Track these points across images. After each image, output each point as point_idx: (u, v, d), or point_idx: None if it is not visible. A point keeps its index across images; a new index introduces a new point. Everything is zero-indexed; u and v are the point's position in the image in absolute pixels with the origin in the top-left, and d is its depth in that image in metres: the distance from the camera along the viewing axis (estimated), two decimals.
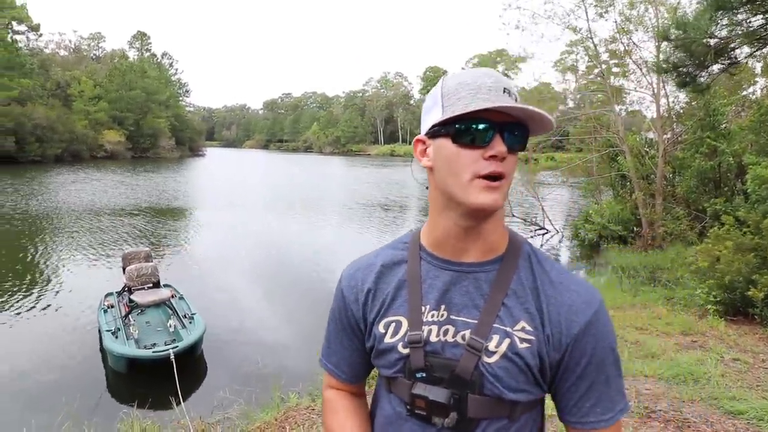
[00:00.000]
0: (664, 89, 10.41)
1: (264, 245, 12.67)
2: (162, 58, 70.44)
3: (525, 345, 0.72)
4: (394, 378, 0.80)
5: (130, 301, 6.31)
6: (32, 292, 8.30)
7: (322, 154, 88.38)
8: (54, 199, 19.49)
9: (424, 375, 0.75)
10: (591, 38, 10.94)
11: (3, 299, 7.85)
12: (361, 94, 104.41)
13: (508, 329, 0.73)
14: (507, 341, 0.72)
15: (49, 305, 7.75)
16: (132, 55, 65.49)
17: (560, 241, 13.68)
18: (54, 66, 53.76)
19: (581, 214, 13.59)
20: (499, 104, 0.67)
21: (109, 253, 11.02)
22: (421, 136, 0.77)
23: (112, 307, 6.43)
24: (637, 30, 10.49)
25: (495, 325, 0.73)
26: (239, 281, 9.46)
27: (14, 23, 49.22)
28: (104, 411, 4.68)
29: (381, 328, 0.80)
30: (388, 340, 0.79)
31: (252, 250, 12.03)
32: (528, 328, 0.73)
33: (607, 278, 7.58)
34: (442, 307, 0.77)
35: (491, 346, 0.73)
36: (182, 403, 4.02)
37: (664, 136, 10.28)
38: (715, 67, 5.38)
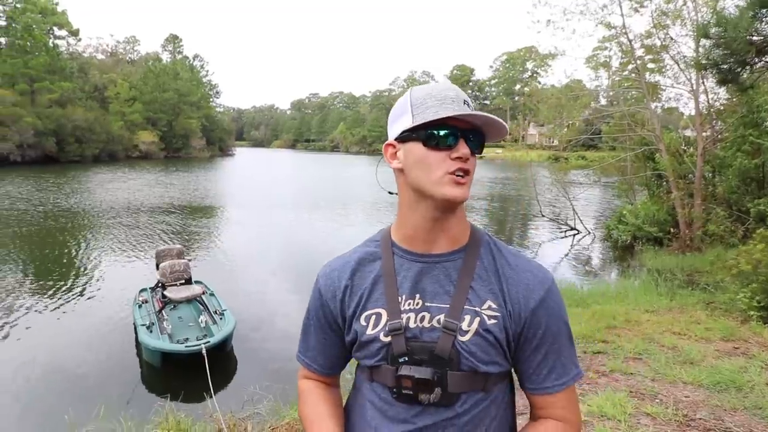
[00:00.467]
0: (703, 85, 10.00)
1: (293, 243, 12.85)
2: (194, 60, 72.29)
3: (493, 321, 0.82)
4: (377, 366, 0.86)
5: (163, 296, 6.50)
6: (74, 287, 8.67)
7: (348, 153, 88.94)
8: (93, 198, 20.30)
9: (406, 359, 0.82)
10: (626, 33, 10.60)
11: (48, 292, 8.23)
12: (387, 94, 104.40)
13: (477, 309, 0.83)
14: (477, 320, 0.82)
15: (88, 299, 8.09)
16: (165, 57, 67.47)
17: (592, 242, 13.34)
18: (92, 69, 55.89)
19: (614, 214, 13.21)
20: (463, 113, 0.78)
21: (144, 249, 11.39)
22: (391, 140, 0.86)
23: (146, 302, 6.63)
24: (674, 24, 10.10)
25: (465, 306, 0.83)
26: (269, 278, 9.63)
27: (55, 29, 51.41)
28: (139, 402, 4.84)
29: (362, 321, 0.87)
30: (370, 331, 0.86)
31: (281, 247, 12.22)
32: (494, 306, 0.83)
33: (642, 280, 7.33)
34: (417, 296, 0.85)
35: (464, 325, 0.82)
36: (213, 397, 4.11)
37: (704, 133, 9.87)
38: (759, 64, 5.16)
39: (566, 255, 12.03)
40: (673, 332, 4.56)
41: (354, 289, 0.90)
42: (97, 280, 9.22)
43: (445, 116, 0.78)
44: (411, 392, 0.81)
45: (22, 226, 14.14)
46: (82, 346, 6.27)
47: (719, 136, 10.05)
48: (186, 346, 5.31)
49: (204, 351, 5.10)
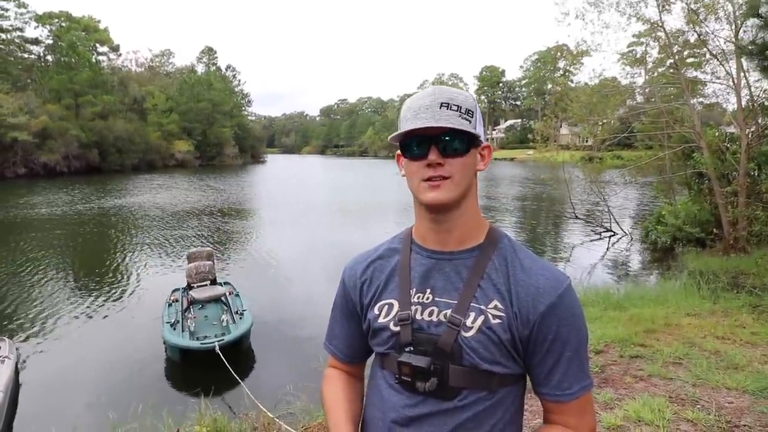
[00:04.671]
0: (746, 79, 9.55)
1: (323, 245, 13.01)
2: (227, 70, 74.46)
3: (497, 321, 0.83)
4: (387, 354, 0.92)
5: (189, 296, 6.81)
6: (117, 287, 9.16)
7: (377, 158, 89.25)
8: (136, 204, 21.22)
9: (411, 349, 0.86)
10: (662, 28, 10.24)
11: (95, 293, 8.71)
12: None
13: (482, 307, 0.84)
14: (482, 317, 0.84)
15: (128, 298, 8.52)
16: (200, 69, 69.80)
17: (629, 244, 12.92)
18: (131, 82, 58.42)
19: (653, 215, 12.76)
20: (413, 126, 0.82)
21: (183, 250, 11.84)
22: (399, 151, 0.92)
23: (177, 301, 6.97)
24: (707, 18, 9.68)
25: (472, 304, 0.85)
26: (301, 279, 9.80)
27: (98, 45, 54.03)
28: (175, 399, 5.04)
29: (376, 311, 0.93)
30: (381, 320, 0.92)
31: (312, 250, 12.39)
32: (500, 306, 0.84)
33: (682, 283, 7.04)
34: (428, 290, 0.89)
35: (468, 322, 0.84)
36: (249, 395, 4.22)
37: (747, 129, 9.41)
38: None
39: (602, 257, 11.70)
40: (715, 336, 4.37)
41: (372, 280, 0.97)
42: (138, 280, 9.72)
43: (408, 130, 0.83)
44: (409, 379, 0.85)
45: (70, 228, 14.93)
46: (121, 343, 6.59)
47: (765, 132, 9.55)
48: (202, 343, 5.56)
49: (217, 348, 5.31)
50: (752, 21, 5.73)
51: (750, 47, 5.22)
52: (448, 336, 0.84)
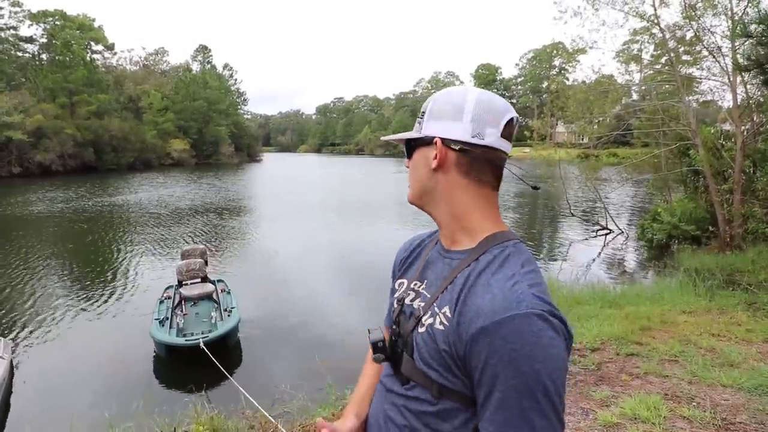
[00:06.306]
0: (741, 77, 9.57)
1: (322, 243, 12.99)
2: (223, 69, 74.13)
3: (440, 328, 0.81)
4: (390, 327, 0.98)
5: (179, 293, 6.83)
6: (112, 284, 9.15)
7: (373, 156, 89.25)
8: (132, 202, 21.10)
9: (395, 327, 0.93)
10: (657, 24, 10.26)
11: (90, 291, 8.67)
12: (411, 95, 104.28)
13: (437, 310, 0.83)
14: (431, 319, 0.83)
15: (124, 295, 8.49)
16: (195, 67, 69.40)
17: (625, 242, 12.96)
18: (127, 81, 58.07)
19: (649, 213, 12.80)
20: (387, 138, 0.95)
21: (178, 248, 11.80)
22: None
23: (169, 298, 6.99)
24: (705, 13, 9.69)
25: (434, 304, 0.85)
26: (299, 277, 9.77)
27: (92, 43, 53.67)
28: (168, 397, 5.02)
29: (396, 286, 1.02)
30: (394, 295, 1.01)
31: (310, 248, 12.37)
32: (447, 314, 0.81)
33: (678, 281, 7.06)
34: (424, 280, 0.93)
35: (424, 319, 0.85)
36: (245, 394, 4.20)
37: (743, 127, 9.44)
38: None
39: (598, 255, 11.74)
40: (711, 334, 4.39)
41: (407, 259, 1.05)
42: (134, 277, 9.72)
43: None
44: (372, 350, 0.93)
45: (66, 226, 14.85)
46: (116, 341, 6.58)
47: (760, 129, 9.58)
48: (186, 340, 5.58)
49: (202, 344, 5.33)
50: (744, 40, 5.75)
51: (744, 63, 5.24)
52: (409, 325, 0.88)
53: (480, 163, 0.86)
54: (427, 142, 0.88)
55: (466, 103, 0.85)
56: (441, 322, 0.81)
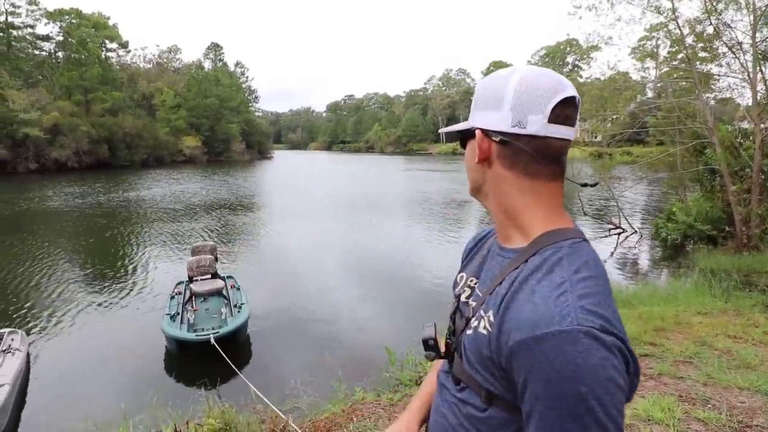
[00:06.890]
0: (761, 73, 9.36)
1: (332, 240, 13.03)
2: (235, 67, 74.62)
3: (484, 332, 0.76)
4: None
5: (190, 289, 6.90)
6: (127, 279, 9.29)
7: (383, 153, 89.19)
8: (146, 199, 21.37)
9: (451, 325, 0.89)
10: (675, 19, 10.06)
11: (106, 285, 8.80)
12: (422, 93, 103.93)
13: (482, 313, 0.78)
14: (477, 322, 0.79)
15: (139, 290, 8.60)
16: (207, 65, 69.94)
17: (639, 242, 12.79)
18: (140, 79, 58.70)
19: (663, 212, 12.62)
20: (443, 131, 0.92)
21: (191, 243, 11.94)
22: None
23: (180, 293, 7.06)
24: (727, 9, 9.48)
25: (482, 306, 0.80)
26: (310, 273, 9.81)
27: (107, 42, 54.38)
28: (180, 391, 5.09)
29: (458, 279, 0.97)
30: (455, 290, 0.95)
31: (322, 244, 12.41)
32: (491, 319, 0.75)
33: (693, 281, 6.95)
34: (479, 277, 0.89)
35: (472, 320, 0.81)
36: (255, 390, 4.23)
37: (762, 125, 9.24)
38: None
39: (611, 254, 11.59)
40: (727, 335, 4.31)
41: (470, 251, 1.01)
42: (148, 272, 9.86)
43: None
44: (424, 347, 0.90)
45: (82, 222, 15.09)
46: (131, 334, 6.68)
47: None
48: (197, 335, 5.64)
49: (212, 340, 5.38)
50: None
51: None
52: (460, 325, 0.85)
53: (525, 155, 0.78)
54: (471, 134, 0.83)
55: (506, 89, 0.77)
56: (485, 327, 0.76)
